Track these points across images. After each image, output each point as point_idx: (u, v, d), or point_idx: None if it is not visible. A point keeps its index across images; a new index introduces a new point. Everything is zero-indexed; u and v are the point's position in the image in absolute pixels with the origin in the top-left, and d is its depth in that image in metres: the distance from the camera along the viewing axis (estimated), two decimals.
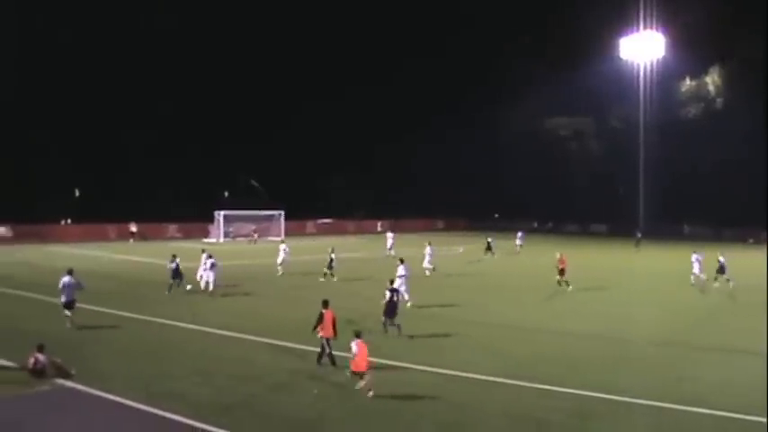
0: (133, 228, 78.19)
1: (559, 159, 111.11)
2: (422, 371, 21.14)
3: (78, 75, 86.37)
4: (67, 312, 26.76)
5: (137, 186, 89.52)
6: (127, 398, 17.74)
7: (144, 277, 44.34)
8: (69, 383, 19.10)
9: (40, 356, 19.63)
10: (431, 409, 17.57)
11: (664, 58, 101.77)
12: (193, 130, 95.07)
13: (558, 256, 41.35)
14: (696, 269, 42.61)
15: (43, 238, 72.39)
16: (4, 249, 62.32)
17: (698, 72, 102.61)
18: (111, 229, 78.99)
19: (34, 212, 76.60)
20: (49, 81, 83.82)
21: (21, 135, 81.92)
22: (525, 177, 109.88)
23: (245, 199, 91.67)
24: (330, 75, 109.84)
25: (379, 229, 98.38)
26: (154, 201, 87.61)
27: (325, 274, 42.33)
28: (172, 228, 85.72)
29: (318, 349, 21.52)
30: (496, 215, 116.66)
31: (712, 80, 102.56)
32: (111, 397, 17.94)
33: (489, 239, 64.12)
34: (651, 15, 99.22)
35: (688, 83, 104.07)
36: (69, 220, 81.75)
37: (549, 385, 19.45)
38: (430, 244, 49.04)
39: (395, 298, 26.69)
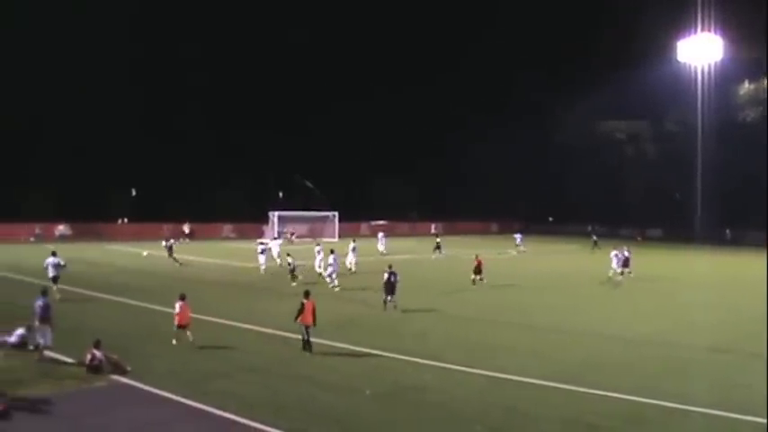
0: (186, 228, 78.95)
1: (615, 163, 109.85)
2: (470, 373, 21.09)
3: (137, 75, 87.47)
4: (54, 286, 31.61)
5: (192, 186, 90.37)
6: (180, 395, 17.97)
7: (198, 276, 44.81)
8: (125, 379, 19.42)
9: (97, 353, 19.97)
10: (481, 412, 17.55)
11: (722, 60, 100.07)
12: (250, 131, 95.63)
13: (474, 257, 44.05)
14: (614, 264, 46.89)
15: (101, 237, 73.52)
16: (64, 247, 63.21)
17: (757, 75, 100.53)
18: (167, 228, 79.84)
19: (93, 211, 77.96)
20: (106, 81, 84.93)
21: (80, 134, 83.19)
22: (580, 181, 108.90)
23: (299, 200, 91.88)
24: (388, 76, 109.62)
25: (432, 231, 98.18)
26: (209, 201, 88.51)
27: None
28: (226, 228, 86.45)
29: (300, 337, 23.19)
30: (551, 219, 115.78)
31: None
32: (165, 394, 18.19)
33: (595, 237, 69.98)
34: (709, 17, 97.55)
35: (746, 86, 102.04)
36: (126, 219, 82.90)
37: (601, 390, 19.24)
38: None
39: (392, 279, 31.61)
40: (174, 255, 51.51)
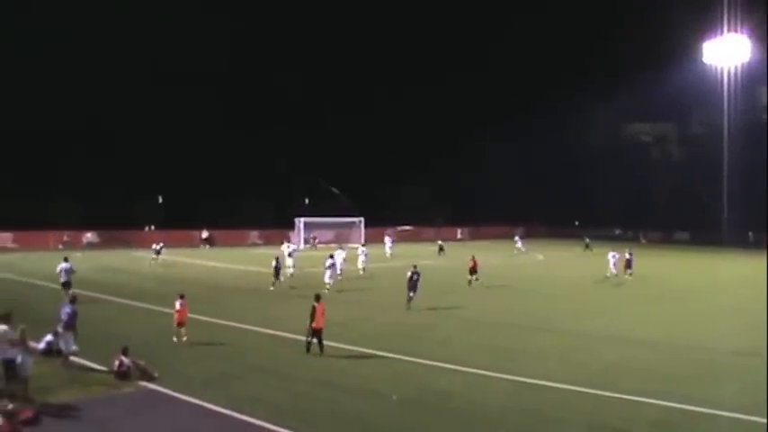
0: (205, 234, 79.28)
1: (641, 165, 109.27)
2: (497, 378, 21.05)
3: (163, 82, 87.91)
4: (66, 291, 32.25)
5: (219, 193, 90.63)
6: (207, 401, 18.04)
7: (223, 283, 45.15)
8: (152, 385, 19.55)
9: (125, 359, 20.15)
10: (505, 417, 17.55)
11: (748, 62, 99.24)
12: (276, 137, 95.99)
13: (470, 257, 45.27)
14: (611, 265, 49.28)
15: (128, 244, 74.02)
16: (92, 255, 63.88)
17: None
18: (194, 235, 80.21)
19: (120, 219, 78.59)
20: (132, 89, 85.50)
21: (107, 142, 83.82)
22: (606, 184, 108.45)
23: (325, 206, 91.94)
24: (410, 82, 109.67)
25: (458, 236, 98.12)
26: (236, 208, 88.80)
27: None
28: (253, 234, 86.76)
29: (307, 339, 23.66)
30: (576, 222, 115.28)
31: None
32: (191, 399, 18.29)
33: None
34: (735, 18, 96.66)
35: None
36: (153, 227, 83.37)
37: (627, 394, 19.12)
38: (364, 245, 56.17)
39: (414, 277, 34.02)
40: (159, 258, 56.27)
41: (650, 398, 18.84)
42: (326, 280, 39.46)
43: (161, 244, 58.35)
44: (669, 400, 18.59)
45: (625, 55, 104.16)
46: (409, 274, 34.44)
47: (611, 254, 49.89)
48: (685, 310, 36.39)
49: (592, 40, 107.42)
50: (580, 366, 22.92)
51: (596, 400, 19.02)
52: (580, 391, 19.66)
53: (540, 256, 71.26)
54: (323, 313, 23.58)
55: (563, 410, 18.16)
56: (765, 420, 16.72)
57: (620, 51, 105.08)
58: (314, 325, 23.43)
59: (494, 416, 17.66)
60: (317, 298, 24.09)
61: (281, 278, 41.72)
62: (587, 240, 78.30)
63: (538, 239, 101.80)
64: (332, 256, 41.77)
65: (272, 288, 40.52)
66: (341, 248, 49.85)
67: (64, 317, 21.34)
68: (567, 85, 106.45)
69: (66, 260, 35.73)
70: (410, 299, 33.81)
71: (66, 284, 33.96)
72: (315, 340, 23.50)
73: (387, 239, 72.41)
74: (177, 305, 25.18)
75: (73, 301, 22.46)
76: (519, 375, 21.15)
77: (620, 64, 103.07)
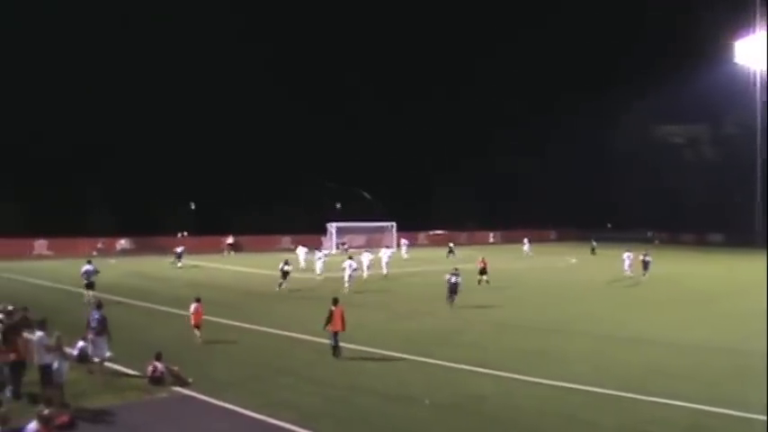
0: (230, 239, 79.57)
1: (674, 167, 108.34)
2: (528, 381, 21.06)
3: (193, 90, 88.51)
4: (90, 292, 35.61)
5: (251, 198, 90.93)
6: (241, 406, 18.18)
7: (255, 288, 45.28)
8: (186, 391, 19.73)
9: (159, 365, 20.36)
10: (540, 421, 17.56)
11: None
12: (307, 143, 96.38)
13: (479, 258, 47.04)
14: (626, 266, 51.96)
15: (162, 250, 74.49)
16: (127, 261, 64.47)
17: None
18: (222, 240, 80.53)
19: (153, 225, 79.35)
20: (163, 97, 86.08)
21: (139, 149, 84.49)
22: (639, 186, 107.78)
23: (357, 211, 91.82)
24: (445, 85, 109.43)
25: (491, 240, 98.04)
26: (268, 213, 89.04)
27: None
28: (285, 239, 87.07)
29: (331, 342, 24.19)
30: (609, 225, 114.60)
31: None
32: (225, 405, 18.41)
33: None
34: (767, 17, 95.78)
35: None
36: (186, 233, 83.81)
37: (661, 398, 19.06)
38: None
39: (453, 280, 35.41)
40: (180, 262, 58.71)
41: (683, 401, 18.74)
42: (345, 282, 42.25)
43: (182, 248, 61.12)
44: (702, 403, 18.52)
45: (656, 55, 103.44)
46: (447, 276, 35.96)
47: (625, 254, 52.11)
48: (712, 313, 36.26)
49: (623, 41, 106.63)
50: (608, 369, 22.87)
51: (626, 402, 18.97)
52: (610, 394, 19.62)
53: (572, 260, 71.03)
54: (341, 316, 24.06)
55: (594, 413, 18.15)
56: None
57: (651, 52, 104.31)
58: (330, 328, 24.07)
59: (526, 419, 17.68)
60: (335, 302, 24.53)
61: (284, 282, 42.59)
62: (594, 244, 79.56)
63: (568, 242, 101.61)
64: (351, 258, 44.94)
65: (277, 289, 41.63)
66: (367, 251, 53.33)
67: (94, 323, 21.58)
68: (596, 87, 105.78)
69: (89, 262, 37.89)
70: (450, 300, 35.38)
71: (90, 285, 36.41)
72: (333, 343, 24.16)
73: (403, 242, 76.87)
74: (192, 308, 26.36)
75: (99, 306, 22.69)
76: (549, 378, 21.12)
77: (651, 64, 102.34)
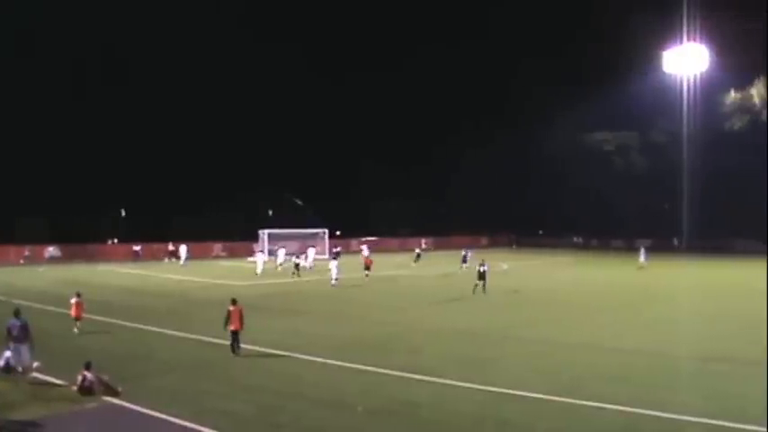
0: (171, 246, 78.64)
1: (604, 174, 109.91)
2: (466, 387, 20.96)
3: (122, 94, 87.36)
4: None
5: (183, 206, 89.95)
6: (173, 415, 17.82)
7: (188, 296, 44.77)
8: (116, 401, 19.25)
9: (88, 374, 19.85)
10: (474, 427, 17.49)
11: (708, 70, 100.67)
12: (239, 149, 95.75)
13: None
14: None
15: (91, 258, 73.40)
16: (55, 269, 63.32)
17: (743, 84, 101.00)
18: (158, 248, 79.64)
19: (83, 233, 77.97)
20: (87, 101, 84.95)
21: (68, 155, 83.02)
22: (570, 193, 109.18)
23: (290, 218, 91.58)
24: (378, 89, 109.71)
25: (423, 246, 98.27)
26: (199, 221, 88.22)
27: None
28: (216, 247, 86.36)
29: (228, 342, 25.08)
30: (541, 231, 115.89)
31: (758, 92, 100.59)
32: (157, 414, 18.03)
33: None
34: (694, 28, 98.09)
35: (733, 95, 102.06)
36: (116, 240, 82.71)
37: (599, 402, 19.10)
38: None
39: (481, 269, 43.95)
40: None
41: (618, 405, 18.84)
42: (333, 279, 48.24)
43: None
44: (636, 407, 18.61)
45: (586, 63, 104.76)
46: (478, 266, 44.62)
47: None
48: (644, 316, 36.77)
49: (553, 50, 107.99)
50: (548, 374, 22.93)
51: (565, 408, 19.02)
52: (545, 399, 19.66)
53: (503, 266, 71.66)
54: (239, 315, 24.97)
55: (531, 419, 18.14)
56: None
57: (581, 61, 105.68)
58: (231, 327, 24.92)
59: (463, 426, 17.61)
60: (234, 302, 25.45)
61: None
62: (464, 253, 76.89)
63: (500, 248, 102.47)
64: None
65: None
66: (312, 247, 62.46)
67: (15, 331, 21.06)
68: (528, 93, 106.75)
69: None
70: (476, 286, 43.18)
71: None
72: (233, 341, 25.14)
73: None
74: (73, 301, 29.33)
75: (17, 313, 21.99)
76: (487, 385, 21.09)
77: (582, 73, 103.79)
